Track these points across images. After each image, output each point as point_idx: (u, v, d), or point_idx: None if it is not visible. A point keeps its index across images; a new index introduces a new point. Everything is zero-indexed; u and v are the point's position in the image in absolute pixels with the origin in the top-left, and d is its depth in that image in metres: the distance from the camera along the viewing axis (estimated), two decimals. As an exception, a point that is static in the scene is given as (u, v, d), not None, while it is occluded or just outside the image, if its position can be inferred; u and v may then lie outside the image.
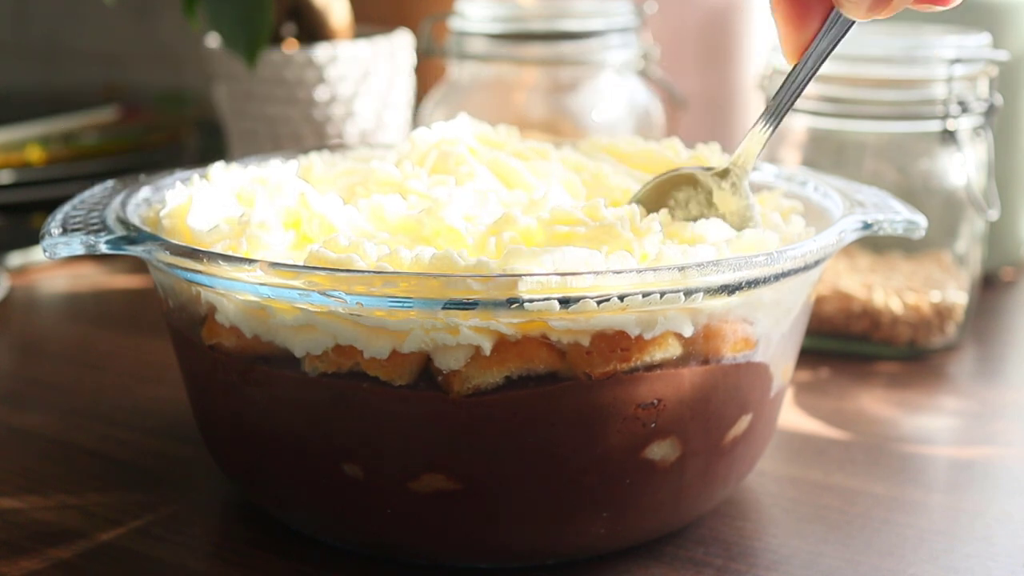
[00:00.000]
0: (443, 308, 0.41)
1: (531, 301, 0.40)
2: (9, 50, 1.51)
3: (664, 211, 0.51)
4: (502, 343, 0.42)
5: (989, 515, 0.52)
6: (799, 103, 0.71)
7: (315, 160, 0.59)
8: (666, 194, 0.51)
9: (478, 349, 0.42)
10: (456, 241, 0.47)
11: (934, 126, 0.69)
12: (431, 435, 0.44)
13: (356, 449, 0.45)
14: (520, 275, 0.41)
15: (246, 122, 0.88)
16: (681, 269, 0.41)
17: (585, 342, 0.43)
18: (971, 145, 0.70)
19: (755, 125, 0.49)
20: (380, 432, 0.44)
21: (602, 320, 0.42)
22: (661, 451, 0.46)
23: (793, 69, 0.46)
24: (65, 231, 0.48)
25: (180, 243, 0.46)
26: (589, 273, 0.41)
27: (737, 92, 0.95)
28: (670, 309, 0.43)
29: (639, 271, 0.41)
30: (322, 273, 0.42)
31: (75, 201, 0.53)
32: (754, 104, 0.95)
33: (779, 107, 0.48)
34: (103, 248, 0.47)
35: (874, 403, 0.65)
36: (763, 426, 0.50)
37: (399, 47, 0.89)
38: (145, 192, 0.55)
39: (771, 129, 0.49)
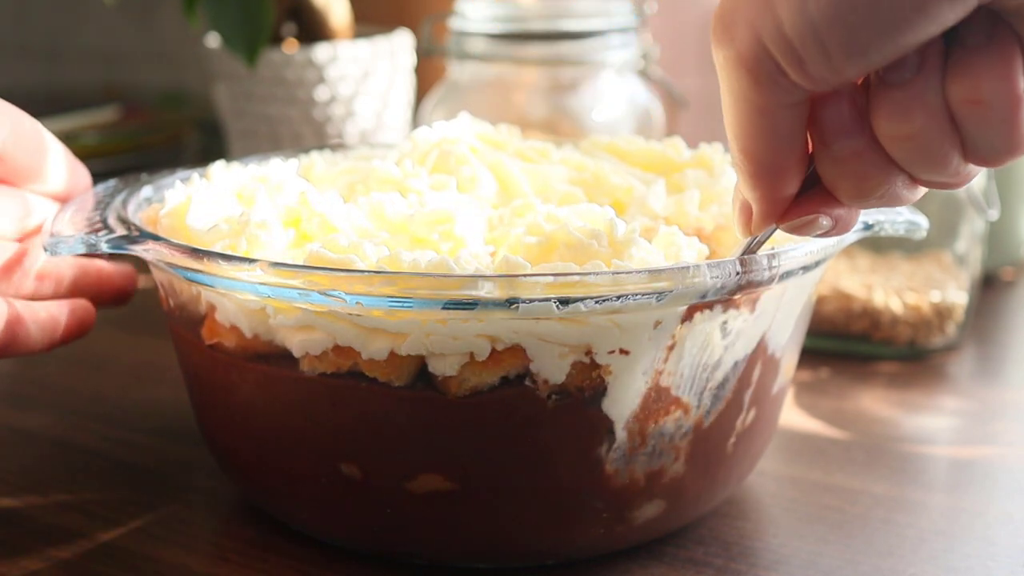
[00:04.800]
0: (443, 308, 0.41)
1: (530, 302, 0.40)
2: (10, 50, 1.51)
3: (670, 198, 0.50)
4: (500, 344, 0.42)
5: (989, 515, 0.52)
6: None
7: (316, 159, 0.59)
8: None
9: (476, 350, 0.42)
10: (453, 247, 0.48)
11: (934, 126, 0.69)
12: (428, 435, 0.44)
13: (354, 449, 0.45)
14: (519, 275, 0.41)
15: (246, 122, 0.89)
16: (680, 270, 0.41)
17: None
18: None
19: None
20: (378, 432, 0.44)
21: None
22: (661, 451, 0.46)
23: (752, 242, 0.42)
24: (66, 230, 0.48)
25: (180, 242, 0.46)
26: (588, 273, 0.41)
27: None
28: (668, 309, 0.43)
29: (638, 272, 0.41)
30: (322, 273, 0.42)
31: (77, 200, 0.53)
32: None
33: None
34: (104, 247, 0.47)
35: (874, 403, 0.65)
36: (764, 426, 0.50)
37: (399, 47, 0.89)
38: (146, 191, 0.55)
39: None
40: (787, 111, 0.35)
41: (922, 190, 0.37)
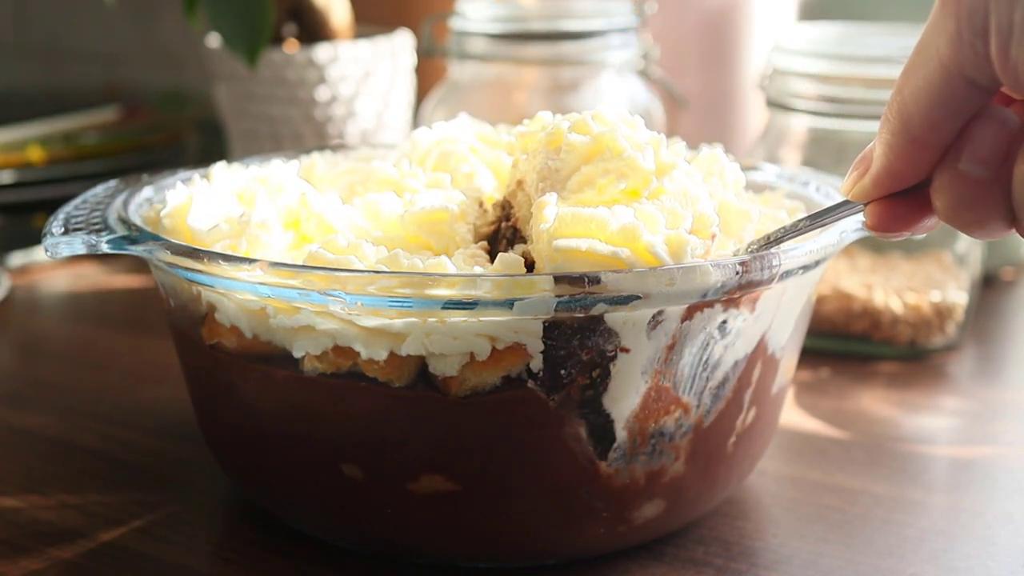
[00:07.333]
0: (443, 308, 0.41)
1: (530, 301, 0.40)
2: (10, 50, 1.51)
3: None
4: (500, 344, 0.42)
5: (989, 515, 0.52)
6: (800, 103, 0.71)
7: (317, 160, 0.59)
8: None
9: (476, 350, 0.42)
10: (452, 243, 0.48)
11: (934, 126, 0.69)
12: (429, 436, 0.44)
13: (355, 449, 0.45)
14: (518, 275, 0.41)
15: (247, 122, 0.89)
16: (680, 270, 0.41)
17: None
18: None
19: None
20: (378, 433, 0.45)
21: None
22: (661, 451, 0.46)
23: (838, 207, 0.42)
24: (67, 230, 0.48)
25: (180, 243, 0.46)
26: (588, 274, 0.41)
27: (737, 92, 0.95)
28: (669, 308, 0.43)
29: (639, 272, 0.41)
30: (321, 273, 0.42)
31: (77, 201, 0.53)
32: (754, 104, 0.95)
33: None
34: (104, 247, 0.47)
35: (874, 403, 0.65)
36: (764, 426, 0.50)
37: (400, 47, 0.89)
38: (147, 192, 0.55)
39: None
40: (961, 85, 0.34)
41: (1009, 232, 0.36)
